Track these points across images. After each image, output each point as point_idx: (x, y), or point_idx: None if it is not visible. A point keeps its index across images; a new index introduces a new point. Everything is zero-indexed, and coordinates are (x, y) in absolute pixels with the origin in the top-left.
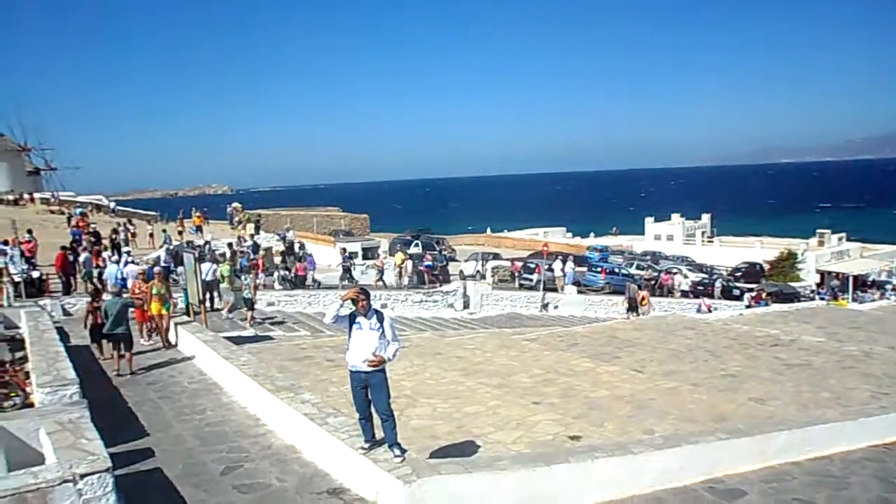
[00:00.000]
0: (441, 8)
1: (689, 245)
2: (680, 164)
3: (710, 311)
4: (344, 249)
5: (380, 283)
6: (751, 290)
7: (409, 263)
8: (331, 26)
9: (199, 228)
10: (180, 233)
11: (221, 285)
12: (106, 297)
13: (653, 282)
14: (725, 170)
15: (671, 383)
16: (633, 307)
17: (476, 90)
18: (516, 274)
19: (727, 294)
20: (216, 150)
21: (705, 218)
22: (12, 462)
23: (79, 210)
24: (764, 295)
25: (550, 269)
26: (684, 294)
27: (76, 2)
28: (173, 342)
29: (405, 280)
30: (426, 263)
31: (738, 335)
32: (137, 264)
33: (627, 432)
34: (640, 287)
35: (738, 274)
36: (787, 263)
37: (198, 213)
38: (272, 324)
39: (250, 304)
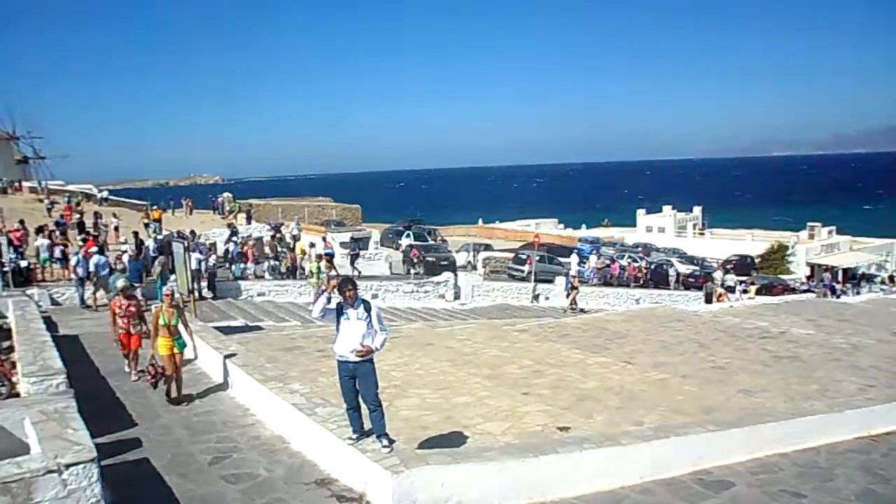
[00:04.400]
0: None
1: (680, 237)
2: (675, 156)
3: (721, 300)
4: (353, 238)
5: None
6: (742, 282)
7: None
8: (326, 19)
9: (157, 221)
10: (146, 225)
11: (310, 279)
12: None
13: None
14: (719, 162)
15: (661, 375)
16: (708, 300)
17: (470, 82)
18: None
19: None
20: (208, 140)
21: (697, 210)
22: None
23: (68, 198)
24: (782, 290)
25: (558, 264)
26: (729, 289)
27: None
28: (188, 394)
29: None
30: (327, 251)
31: (727, 327)
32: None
33: (616, 423)
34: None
35: (729, 266)
36: (777, 256)
37: (155, 207)
38: None
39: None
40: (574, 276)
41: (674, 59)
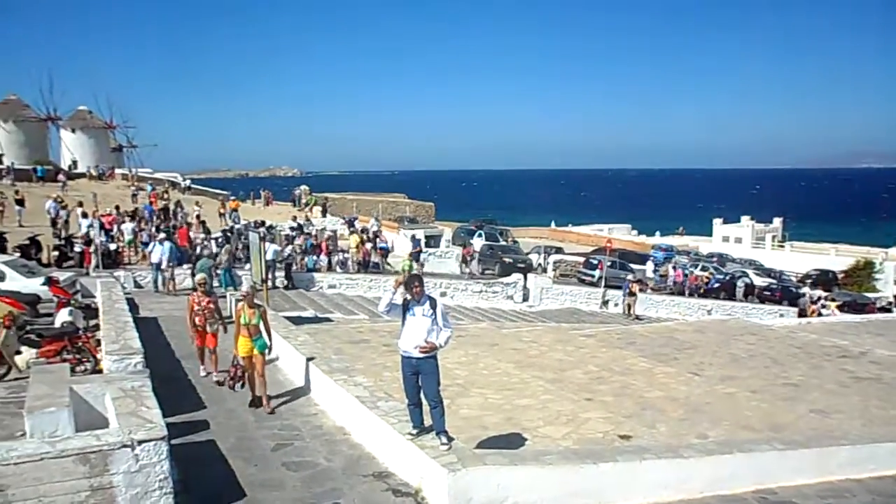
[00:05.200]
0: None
1: (757, 248)
2: (763, 165)
3: (813, 315)
4: (414, 236)
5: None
6: (821, 298)
7: (369, 246)
8: (403, 20)
9: (234, 211)
10: (222, 215)
11: (399, 277)
12: None
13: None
14: (800, 173)
15: (729, 388)
16: (801, 314)
17: (541, 80)
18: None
19: (795, 301)
20: (287, 133)
21: (777, 221)
22: (79, 423)
23: (150, 187)
24: (874, 308)
25: (630, 271)
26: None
27: None
28: (270, 401)
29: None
30: (381, 245)
31: (803, 344)
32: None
33: (679, 435)
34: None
35: (809, 281)
36: (863, 273)
37: (232, 197)
38: None
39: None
40: (632, 282)
41: (765, 65)
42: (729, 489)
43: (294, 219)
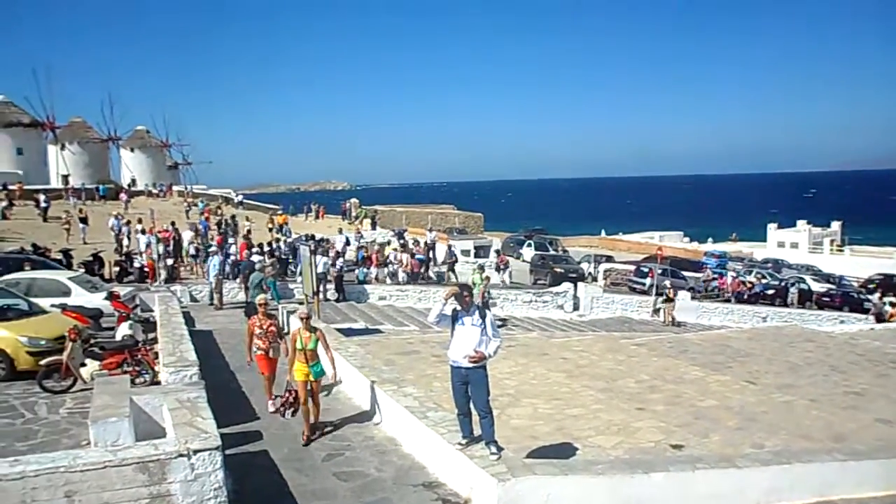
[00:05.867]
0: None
1: (815, 254)
2: (818, 168)
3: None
4: (450, 247)
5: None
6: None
7: (405, 256)
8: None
9: (283, 225)
10: (270, 229)
11: (474, 291)
12: None
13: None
14: (856, 175)
15: (786, 397)
16: (879, 319)
17: (596, 86)
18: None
19: (856, 306)
20: (338, 147)
21: (835, 225)
22: (139, 433)
23: (201, 203)
24: None
25: (682, 278)
26: None
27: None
28: (318, 428)
29: (401, 276)
30: (418, 257)
31: (865, 351)
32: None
33: (734, 445)
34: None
35: (872, 286)
36: None
37: (280, 212)
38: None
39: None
40: (668, 289)
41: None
42: (787, 500)
43: (340, 231)
